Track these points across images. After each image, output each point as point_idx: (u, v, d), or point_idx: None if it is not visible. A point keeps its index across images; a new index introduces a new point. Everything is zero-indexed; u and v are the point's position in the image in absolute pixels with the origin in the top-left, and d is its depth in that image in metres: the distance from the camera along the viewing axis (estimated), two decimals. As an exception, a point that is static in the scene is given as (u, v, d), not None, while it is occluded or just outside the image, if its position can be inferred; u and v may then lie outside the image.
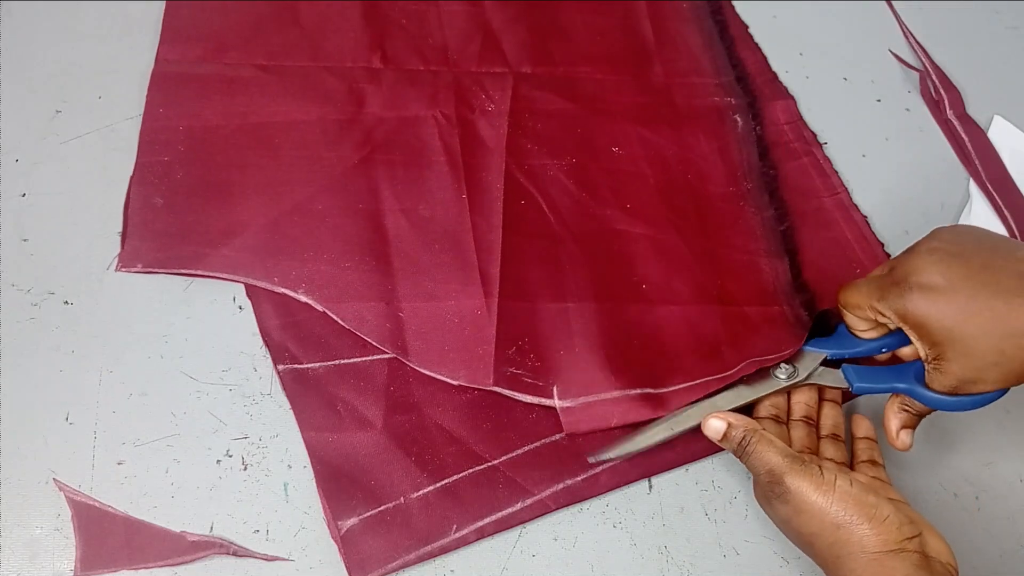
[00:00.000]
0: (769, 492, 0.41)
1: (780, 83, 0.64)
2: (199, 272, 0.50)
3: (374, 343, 0.48)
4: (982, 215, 0.58)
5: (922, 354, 0.42)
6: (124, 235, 0.51)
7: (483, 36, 0.62)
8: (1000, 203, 0.58)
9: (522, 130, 0.57)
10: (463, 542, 0.44)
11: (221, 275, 0.50)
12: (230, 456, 0.46)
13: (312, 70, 0.58)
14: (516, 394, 0.47)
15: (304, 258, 0.51)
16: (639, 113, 0.60)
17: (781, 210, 0.57)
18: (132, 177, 0.53)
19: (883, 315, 0.43)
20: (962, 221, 0.58)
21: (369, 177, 0.54)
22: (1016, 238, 0.56)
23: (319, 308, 0.49)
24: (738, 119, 0.61)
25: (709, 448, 0.48)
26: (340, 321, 0.49)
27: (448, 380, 0.47)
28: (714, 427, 0.44)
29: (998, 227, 0.57)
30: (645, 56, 0.63)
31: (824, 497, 0.39)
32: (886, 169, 0.61)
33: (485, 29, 0.62)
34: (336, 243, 0.51)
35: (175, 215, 0.52)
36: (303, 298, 0.49)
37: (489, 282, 0.50)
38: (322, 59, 0.59)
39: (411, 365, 0.48)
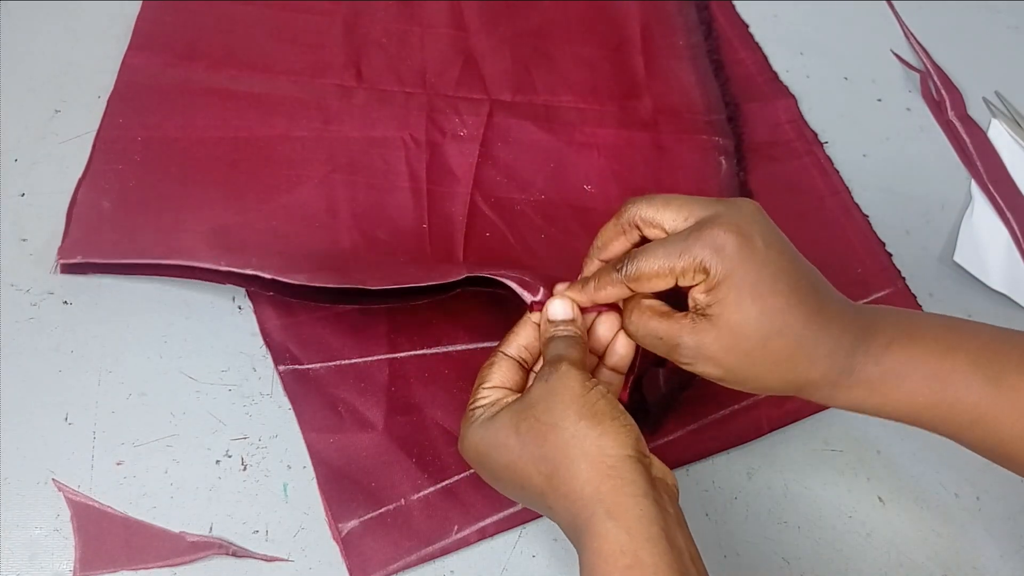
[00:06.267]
0: (543, 369, 0.38)
1: (780, 82, 0.64)
2: (140, 260, 0.48)
3: (333, 285, 0.45)
4: (984, 216, 0.58)
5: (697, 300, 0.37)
6: (65, 233, 0.49)
7: (464, 61, 0.60)
8: (1002, 204, 0.58)
9: (493, 160, 0.55)
10: (464, 543, 0.44)
11: (164, 259, 0.47)
12: (229, 456, 0.46)
13: (282, 84, 0.57)
14: (497, 276, 0.44)
15: (255, 253, 0.48)
16: (618, 149, 0.58)
17: None
18: (81, 182, 0.51)
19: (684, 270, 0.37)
20: (964, 222, 0.58)
21: (329, 198, 0.52)
22: (1019, 239, 0.56)
23: (267, 276, 0.46)
24: (723, 161, 0.58)
25: (709, 449, 0.48)
26: (291, 280, 0.46)
27: (421, 284, 0.45)
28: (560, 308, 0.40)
29: (1000, 228, 0.57)
30: (634, 88, 0.61)
31: (582, 386, 0.37)
32: (887, 169, 0.61)
33: (467, 54, 0.60)
34: (289, 250, 0.49)
35: (122, 218, 0.50)
36: (250, 271, 0.46)
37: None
38: (294, 73, 0.57)
39: (375, 287, 0.45)
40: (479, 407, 0.39)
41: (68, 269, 0.49)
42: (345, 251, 0.50)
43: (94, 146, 0.53)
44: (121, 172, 0.52)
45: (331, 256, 0.50)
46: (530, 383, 0.39)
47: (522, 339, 0.41)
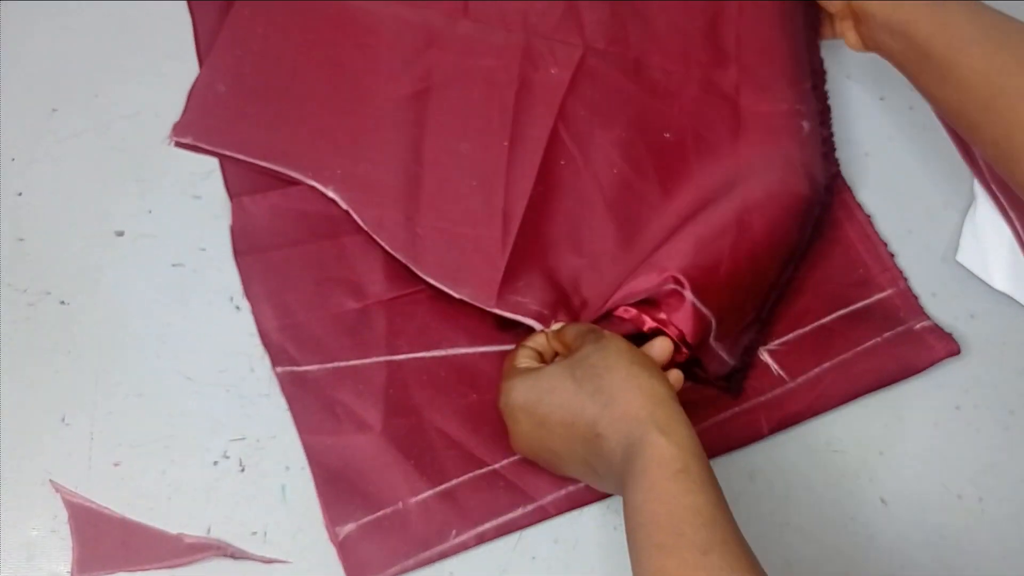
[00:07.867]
0: (586, 336, 0.44)
1: (783, 81, 0.64)
2: (241, 156, 0.53)
3: (387, 247, 0.50)
4: (987, 216, 0.57)
5: None
6: (184, 110, 0.54)
7: (566, 7, 0.61)
8: (1005, 204, 0.57)
9: (579, 96, 0.57)
10: (462, 547, 0.44)
11: (262, 161, 0.53)
12: (227, 458, 0.46)
13: (393, 5, 0.59)
14: (517, 316, 0.48)
15: (342, 161, 0.53)
16: (699, 111, 0.59)
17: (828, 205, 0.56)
18: (206, 60, 0.56)
19: None
20: (967, 222, 0.57)
21: (420, 109, 0.56)
22: (1022, 239, 0.56)
23: (343, 206, 0.52)
24: (805, 125, 0.58)
25: (709, 452, 0.48)
26: (360, 222, 0.51)
27: (451, 292, 0.49)
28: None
29: (1003, 228, 0.57)
30: (722, 59, 0.61)
31: (629, 344, 0.43)
32: (889, 168, 0.60)
33: (570, 1, 0.62)
34: (376, 155, 0.54)
35: (234, 104, 0.55)
36: (331, 194, 0.52)
37: (510, 221, 0.51)
38: None
39: (419, 273, 0.49)
40: (523, 366, 0.45)
41: (182, 145, 0.54)
42: (423, 172, 0.54)
43: (223, 29, 0.57)
44: (239, 58, 0.56)
45: (408, 181, 0.53)
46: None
47: (540, 337, 0.47)
